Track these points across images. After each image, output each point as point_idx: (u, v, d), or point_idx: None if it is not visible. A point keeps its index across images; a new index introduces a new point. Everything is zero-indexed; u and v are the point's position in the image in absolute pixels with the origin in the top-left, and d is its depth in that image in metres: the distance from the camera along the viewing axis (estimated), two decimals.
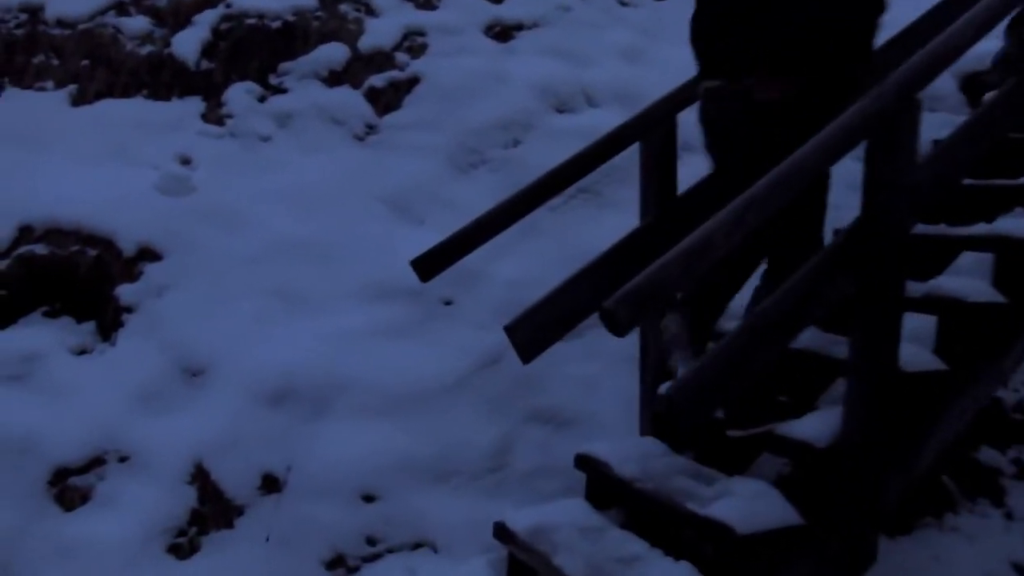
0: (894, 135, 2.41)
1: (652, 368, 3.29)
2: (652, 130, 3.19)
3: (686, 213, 3.24)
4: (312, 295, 3.78)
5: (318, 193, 4.30)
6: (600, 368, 3.92)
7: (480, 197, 4.46)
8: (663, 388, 3.21)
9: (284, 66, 4.96)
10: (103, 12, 5.14)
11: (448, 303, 3.98)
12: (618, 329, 1.97)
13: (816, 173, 2.31)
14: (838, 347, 2.77)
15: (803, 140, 2.26)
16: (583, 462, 3.10)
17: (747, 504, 2.49)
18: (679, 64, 5.49)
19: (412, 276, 4.02)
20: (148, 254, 4.04)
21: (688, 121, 3.20)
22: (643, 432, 3.37)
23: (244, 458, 3.27)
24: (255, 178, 4.31)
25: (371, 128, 4.74)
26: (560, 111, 4.95)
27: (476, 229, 2.93)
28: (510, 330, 2.90)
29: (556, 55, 5.19)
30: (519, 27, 5.35)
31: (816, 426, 2.69)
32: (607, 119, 4.93)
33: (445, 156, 4.59)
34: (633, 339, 4.11)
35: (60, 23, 5.11)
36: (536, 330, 2.94)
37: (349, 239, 4.09)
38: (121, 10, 5.18)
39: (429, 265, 2.90)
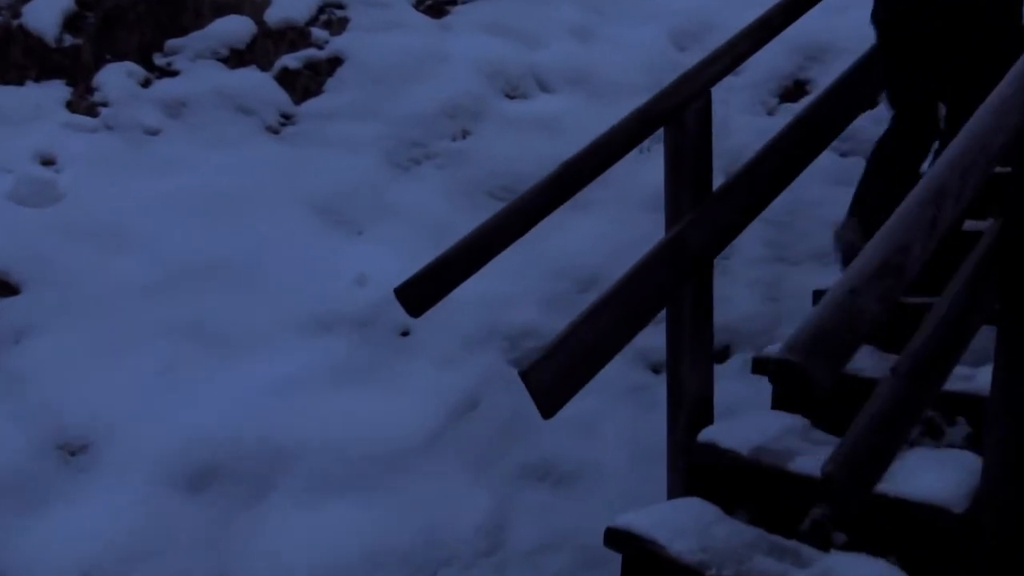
0: None
1: (688, 406, 2.62)
2: (682, 110, 2.50)
3: (734, 210, 2.59)
4: (234, 333, 2.90)
5: (227, 199, 3.41)
6: (597, 404, 3.25)
7: (428, 199, 3.70)
8: (706, 434, 2.61)
9: (172, 43, 4.03)
10: None
11: (405, 334, 3.18)
12: (814, 390, 1.28)
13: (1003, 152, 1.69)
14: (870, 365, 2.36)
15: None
16: (618, 539, 2.40)
17: None
18: (635, 44, 4.94)
19: (356, 301, 3.23)
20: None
21: None
22: (673, 487, 2.71)
23: (156, 571, 2.34)
24: (143, 182, 3.38)
25: (287, 118, 3.88)
26: (511, 96, 4.22)
27: (481, 240, 2.16)
28: (527, 376, 2.14)
29: (499, 33, 4.47)
30: (453, 1, 4.58)
31: (941, 483, 2.13)
32: (563, 105, 4.27)
33: (381, 150, 3.78)
34: (632, 366, 3.46)
35: None
36: (560, 374, 2.20)
37: (273, 257, 3.23)
38: None
39: (420, 293, 2.10)
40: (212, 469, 2.53)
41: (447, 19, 4.48)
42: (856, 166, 4.40)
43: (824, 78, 4.65)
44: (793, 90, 4.82)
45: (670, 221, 2.57)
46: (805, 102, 4.60)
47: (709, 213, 2.53)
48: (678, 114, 2.50)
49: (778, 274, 3.99)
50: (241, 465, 2.55)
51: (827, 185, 4.22)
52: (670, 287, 2.46)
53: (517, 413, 3.09)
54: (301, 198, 3.49)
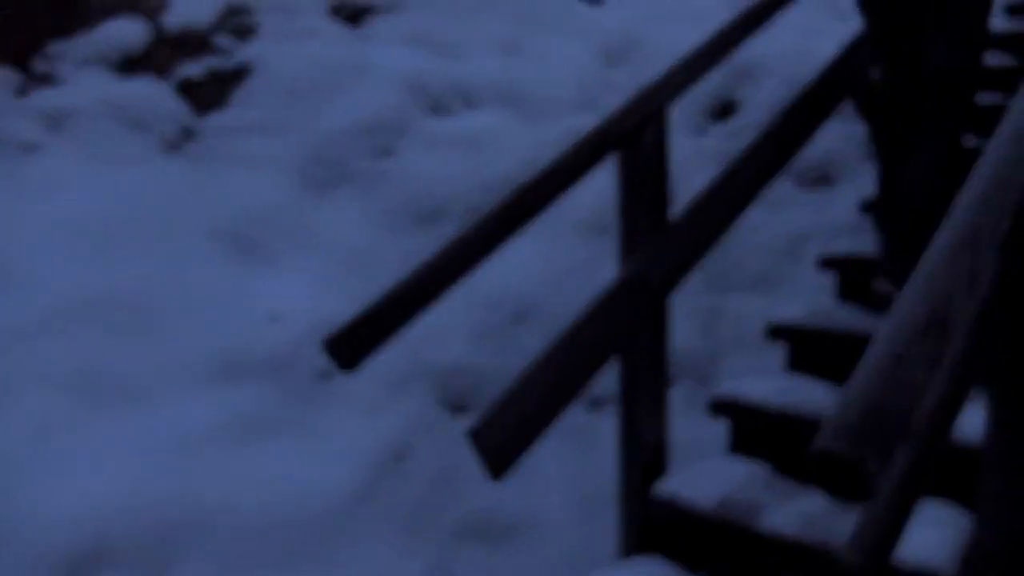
0: None
1: (643, 455, 2.39)
2: (639, 131, 2.28)
3: (694, 240, 2.37)
4: (124, 383, 2.50)
5: (118, 225, 3.00)
6: (534, 448, 2.99)
7: (348, 224, 3.39)
8: (664, 486, 2.39)
9: (56, 48, 3.59)
10: None
11: (324, 377, 2.85)
12: (869, 485, 1.06)
13: None
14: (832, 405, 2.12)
15: None
16: None
17: None
18: (563, 59, 4.73)
19: (268, 341, 2.88)
20: None
21: None
22: (626, 544, 2.49)
23: None
24: (18, 205, 2.94)
25: (188, 134, 3.48)
26: (436, 113, 3.93)
27: (423, 280, 1.86)
28: (478, 436, 1.87)
29: (422, 45, 4.18)
30: (372, 10, 4.27)
31: (928, 544, 1.97)
32: (492, 122, 4.02)
33: (295, 171, 3.44)
34: (576, 405, 3.21)
35: None
36: (513, 430, 1.93)
37: (171, 291, 2.85)
38: None
39: (355, 345, 1.79)
40: (99, 549, 2.13)
41: (365, 29, 4.17)
42: (785, 189, 4.31)
43: (754, 98, 4.56)
44: (723, 110, 4.70)
45: (626, 252, 2.34)
46: (738, 122, 4.50)
47: (669, 244, 2.31)
48: (635, 135, 2.28)
49: (715, 303, 3.83)
50: (134, 542, 2.16)
51: (760, 210, 4.10)
52: (629, 326, 2.22)
53: (449, 462, 2.81)
54: (204, 224, 3.11)
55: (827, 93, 2.88)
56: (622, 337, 2.17)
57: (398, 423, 2.82)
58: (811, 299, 3.53)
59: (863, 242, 3.08)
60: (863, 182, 4.06)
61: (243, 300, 2.87)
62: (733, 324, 3.63)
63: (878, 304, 2.61)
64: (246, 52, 3.76)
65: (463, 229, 1.98)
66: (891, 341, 1.15)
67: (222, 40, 3.81)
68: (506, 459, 1.95)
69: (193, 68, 3.66)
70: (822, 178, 4.24)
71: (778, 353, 3.33)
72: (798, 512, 2.19)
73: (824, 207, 4.09)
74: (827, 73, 2.93)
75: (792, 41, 4.65)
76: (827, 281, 3.48)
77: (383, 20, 4.22)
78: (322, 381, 2.84)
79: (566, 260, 3.56)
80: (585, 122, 4.07)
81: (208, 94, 3.59)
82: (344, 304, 3.04)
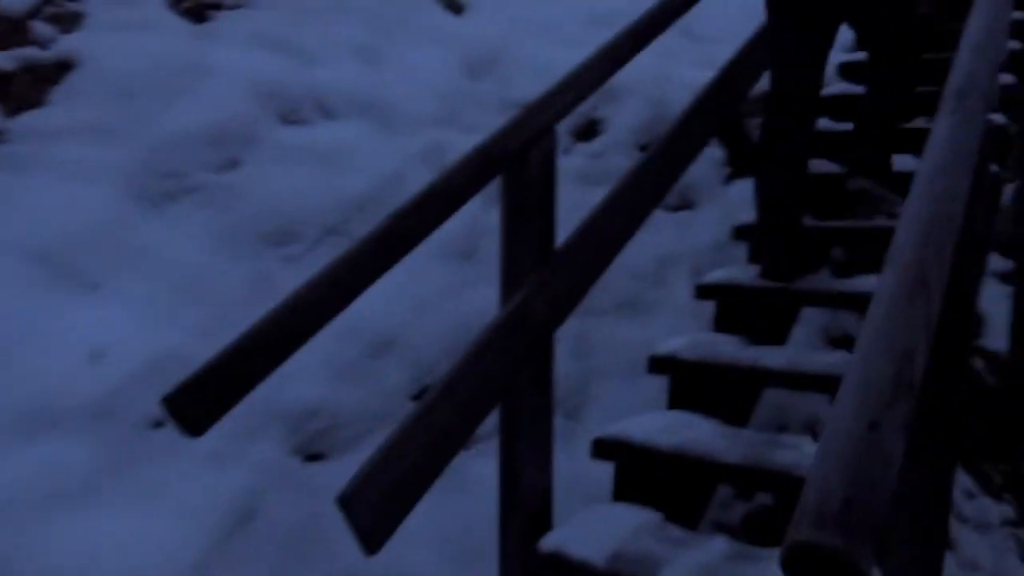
0: None
1: (525, 507, 2.20)
2: (525, 151, 2.08)
3: (581, 270, 2.20)
4: None
5: None
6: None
7: (186, 244, 3.01)
8: (549, 540, 2.19)
9: None
10: None
11: (158, 425, 2.47)
12: None
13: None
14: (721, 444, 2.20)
15: None
16: None
17: None
18: (424, 69, 4.48)
19: (89, 384, 2.47)
20: None
21: None
22: None
23: None
24: None
25: None
26: (288, 121, 3.60)
27: (286, 321, 1.57)
28: (349, 503, 1.59)
29: (273, 47, 3.84)
30: (217, 6, 3.87)
31: None
32: (349, 133, 3.73)
33: (125, 182, 3.02)
34: None
35: None
36: (389, 496, 1.67)
37: None
38: None
39: (205, 403, 1.47)
40: None
41: (210, 25, 3.77)
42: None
43: (617, 117, 4.48)
44: (586, 129, 4.60)
45: (508, 285, 2.13)
46: (601, 143, 4.42)
47: (555, 275, 2.12)
48: (520, 156, 2.07)
49: (583, 329, 3.68)
50: None
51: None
52: (513, 368, 2.01)
53: (306, 516, 2.49)
54: (11, 241, 2.66)
55: (707, 114, 2.80)
56: (504, 380, 1.95)
57: (245, 475, 2.48)
58: (684, 325, 3.43)
59: (737, 269, 3.01)
60: (726, 205, 4.03)
61: (58, 334, 2.45)
62: (603, 352, 3.49)
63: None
64: (69, 43, 3.28)
65: (335, 258, 1.70)
66: (865, 409, 0.98)
67: (41, 28, 3.31)
68: (383, 529, 1.69)
69: (3, 59, 3.15)
70: (685, 201, 4.20)
71: (653, 383, 3.20)
72: (696, 564, 2.05)
73: (689, 230, 4.04)
74: (707, 93, 2.86)
75: (651, 64, 4.60)
76: (699, 306, 3.39)
77: (230, 18, 3.84)
78: (153, 430, 2.45)
79: (429, 286, 3.30)
80: (448, 136, 3.84)
81: (20, 90, 3.09)
82: (181, 338, 2.66)
